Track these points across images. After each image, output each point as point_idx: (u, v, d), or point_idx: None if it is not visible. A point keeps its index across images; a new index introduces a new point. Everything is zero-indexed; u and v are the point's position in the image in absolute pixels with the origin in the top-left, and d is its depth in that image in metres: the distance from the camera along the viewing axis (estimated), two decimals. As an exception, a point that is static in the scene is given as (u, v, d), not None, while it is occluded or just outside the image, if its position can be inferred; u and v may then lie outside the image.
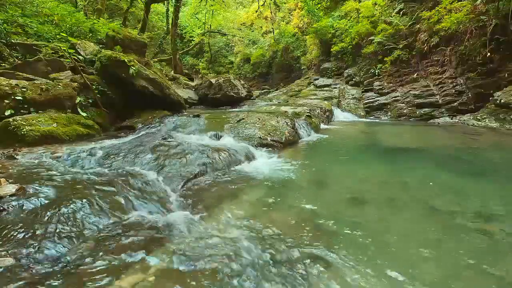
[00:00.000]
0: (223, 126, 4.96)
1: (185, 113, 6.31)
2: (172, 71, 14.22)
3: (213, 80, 9.94)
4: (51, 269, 1.38)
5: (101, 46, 7.61)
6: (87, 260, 1.46)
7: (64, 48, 5.64)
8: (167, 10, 18.12)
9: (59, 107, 4.46)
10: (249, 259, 1.54)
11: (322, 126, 6.80)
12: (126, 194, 2.16)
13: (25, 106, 4.12)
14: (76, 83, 4.93)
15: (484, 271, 1.50)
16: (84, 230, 1.72)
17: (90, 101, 5.04)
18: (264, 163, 3.54)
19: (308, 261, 1.55)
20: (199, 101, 9.80)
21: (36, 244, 1.51)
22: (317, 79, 12.90)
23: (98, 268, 1.39)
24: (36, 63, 5.79)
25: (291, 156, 3.96)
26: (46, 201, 1.87)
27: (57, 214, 1.74)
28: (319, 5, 14.61)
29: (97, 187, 2.18)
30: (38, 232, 1.59)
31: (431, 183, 2.85)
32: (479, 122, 6.90)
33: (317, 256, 1.60)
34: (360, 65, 11.27)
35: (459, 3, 7.81)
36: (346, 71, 11.95)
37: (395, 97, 9.25)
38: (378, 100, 9.54)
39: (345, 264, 1.53)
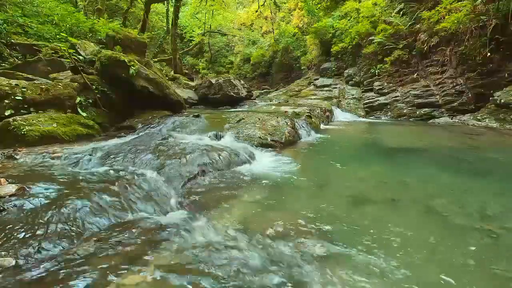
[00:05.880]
0: (223, 126, 4.95)
1: (185, 113, 6.30)
2: (172, 71, 14.23)
3: (213, 80, 9.96)
4: (51, 269, 1.37)
5: (101, 46, 7.61)
6: (87, 260, 1.46)
7: (64, 48, 5.64)
8: (167, 10, 18.15)
9: (59, 107, 4.46)
10: (249, 259, 1.54)
11: (322, 126, 6.80)
12: (126, 194, 2.15)
13: (25, 106, 4.13)
14: (76, 83, 4.93)
15: (485, 270, 1.50)
16: (84, 230, 1.72)
17: (90, 101, 5.04)
18: (264, 163, 3.53)
19: (308, 261, 1.55)
20: (199, 101, 9.82)
21: (36, 244, 1.51)
22: (317, 79, 12.90)
23: (98, 268, 1.39)
24: (36, 63, 5.80)
25: (291, 156, 3.95)
26: (46, 201, 1.87)
27: (57, 214, 1.74)
28: (319, 5, 14.63)
29: (97, 187, 2.17)
30: (38, 232, 1.59)
31: (431, 183, 2.85)
32: (479, 122, 6.90)
33: (317, 256, 1.60)
34: (360, 65, 11.27)
35: (459, 3, 7.81)
36: (346, 71, 11.94)
37: (395, 97, 9.25)
38: (378, 100, 9.54)
39: (345, 265, 1.53)
